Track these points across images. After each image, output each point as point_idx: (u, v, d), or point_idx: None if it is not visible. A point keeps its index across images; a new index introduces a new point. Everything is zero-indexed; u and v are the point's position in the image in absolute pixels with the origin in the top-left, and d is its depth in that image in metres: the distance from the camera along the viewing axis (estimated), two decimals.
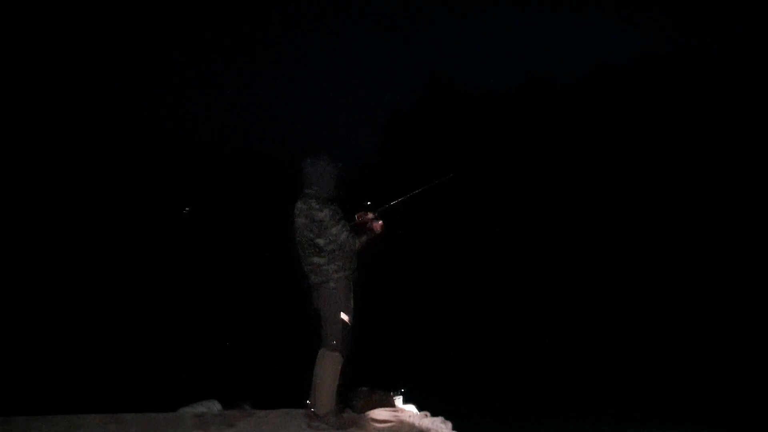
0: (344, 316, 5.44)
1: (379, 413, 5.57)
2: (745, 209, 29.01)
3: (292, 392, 5.99)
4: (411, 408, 5.71)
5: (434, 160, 39.44)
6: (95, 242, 33.02)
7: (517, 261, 26.50)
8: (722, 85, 34.58)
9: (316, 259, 5.46)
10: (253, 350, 11.03)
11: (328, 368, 5.40)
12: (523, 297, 18.70)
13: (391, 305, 16.78)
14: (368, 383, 5.81)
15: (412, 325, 14.20)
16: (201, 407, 5.92)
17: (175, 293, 18.97)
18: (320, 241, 5.41)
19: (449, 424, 5.42)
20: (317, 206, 5.42)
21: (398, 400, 5.82)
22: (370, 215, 5.65)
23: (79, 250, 29.58)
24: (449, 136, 40.05)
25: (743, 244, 25.56)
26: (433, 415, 5.56)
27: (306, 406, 5.57)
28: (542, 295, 18.91)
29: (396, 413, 5.59)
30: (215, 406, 5.97)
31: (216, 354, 10.82)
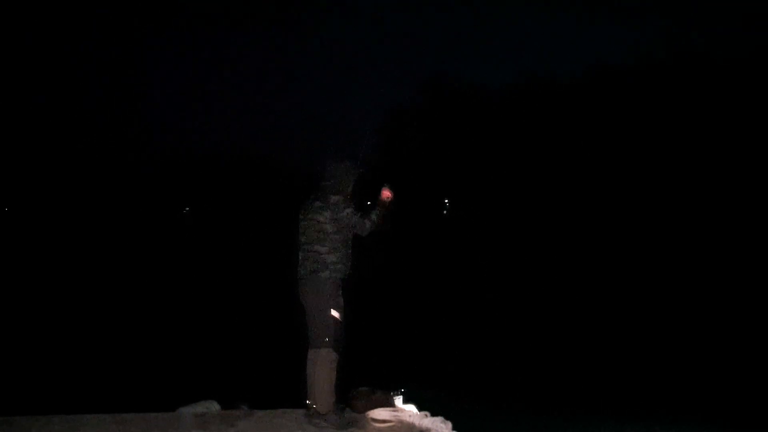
0: (335, 313, 5.43)
1: (379, 413, 5.55)
2: (744, 207, 28.88)
3: (290, 392, 5.99)
4: (411, 408, 5.68)
5: (434, 159, 39.34)
6: (95, 242, 33.03)
7: (517, 260, 26.44)
8: (721, 84, 34.44)
9: (317, 247, 5.46)
10: (250, 350, 11.01)
11: (324, 367, 5.39)
12: (524, 297, 18.67)
13: (392, 305, 16.77)
14: (368, 383, 5.77)
15: (412, 325, 14.18)
16: (200, 407, 5.86)
17: (175, 292, 18.96)
18: (329, 227, 5.44)
19: (449, 424, 5.40)
20: (332, 192, 5.51)
21: (398, 400, 5.79)
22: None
23: (79, 250, 29.59)
24: (450, 135, 39.98)
25: (741, 243, 25.47)
26: (433, 415, 5.54)
27: (305, 406, 5.55)
28: (542, 295, 18.88)
29: (396, 413, 5.56)
30: (214, 407, 5.92)
31: (213, 354, 10.80)
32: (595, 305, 16.97)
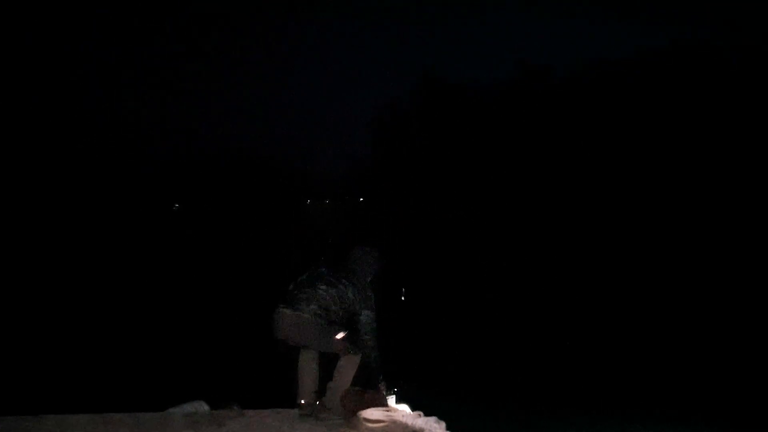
0: (339, 336, 5.48)
1: (372, 413, 5.46)
2: (745, 204, 28.59)
3: (279, 392, 5.98)
4: (404, 408, 5.61)
5: (428, 156, 38.94)
6: (84, 239, 32.83)
7: (513, 259, 26.33)
8: (721, 78, 33.97)
9: (330, 302, 5.47)
10: (240, 350, 10.92)
11: (351, 369, 5.55)
12: (517, 296, 18.57)
13: (384, 304, 16.61)
14: (360, 383, 5.70)
15: (404, 324, 14.07)
16: (189, 408, 5.81)
17: (164, 291, 18.82)
18: (351, 296, 5.50)
19: (443, 424, 5.31)
20: (362, 276, 5.68)
21: (391, 400, 5.72)
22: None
23: (68, 248, 29.40)
24: (444, 131, 39.55)
25: (743, 241, 25.30)
26: (427, 414, 5.46)
27: (298, 406, 5.57)
28: (536, 294, 18.78)
29: (389, 413, 5.47)
30: (203, 407, 5.85)
31: (202, 354, 10.71)
32: (590, 304, 16.90)
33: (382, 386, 5.66)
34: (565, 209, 32.92)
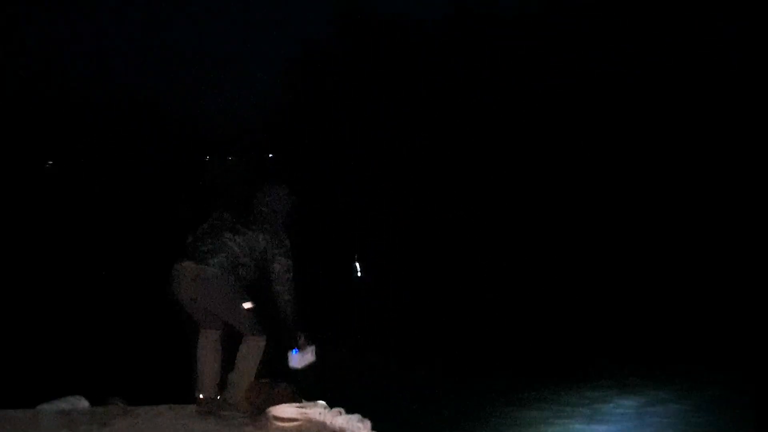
0: (246, 305, 4.84)
1: (284, 410, 4.86)
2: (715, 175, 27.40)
3: (172, 385, 5.46)
4: (321, 404, 5.00)
5: (350, 102, 36.44)
6: None
7: (451, 227, 25.24)
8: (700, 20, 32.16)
9: (238, 251, 4.79)
10: (122, 336, 10.14)
11: (255, 356, 4.93)
12: (448, 286, 17.77)
13: (305, 289, 15.57)
14: (270, 375, 5.08)
15: (324, 311, 13.31)
16: (64, 404, 5.15)
17: (32, 268, 17.37)
18: (262, 244, 4.85)
19: (368, 424, 4.72)
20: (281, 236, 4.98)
21: (310, 354, 5.15)
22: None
23: None
24: (368, 74, 36.93)
25: (720, 215, 24.52)
26: (348, 412, 4.87)
27: (196, 402, 4.98)
28: (467, 285, 18.03)
29: (303, 410, 4.88)
30: (81, 403, 5.21)
31: (78, 341, 9.86)
32: (516, 293, 16.41)
33: (302, 340, 5.05)
34: (510, 162, 30.95)
